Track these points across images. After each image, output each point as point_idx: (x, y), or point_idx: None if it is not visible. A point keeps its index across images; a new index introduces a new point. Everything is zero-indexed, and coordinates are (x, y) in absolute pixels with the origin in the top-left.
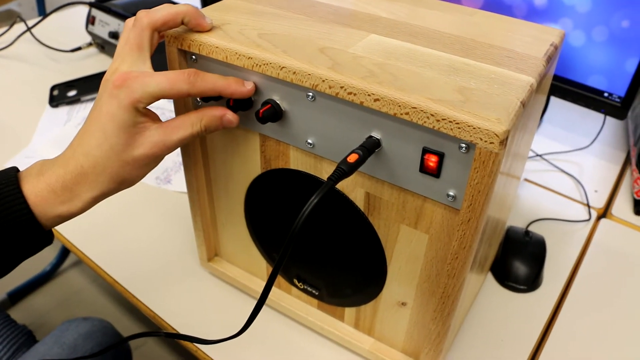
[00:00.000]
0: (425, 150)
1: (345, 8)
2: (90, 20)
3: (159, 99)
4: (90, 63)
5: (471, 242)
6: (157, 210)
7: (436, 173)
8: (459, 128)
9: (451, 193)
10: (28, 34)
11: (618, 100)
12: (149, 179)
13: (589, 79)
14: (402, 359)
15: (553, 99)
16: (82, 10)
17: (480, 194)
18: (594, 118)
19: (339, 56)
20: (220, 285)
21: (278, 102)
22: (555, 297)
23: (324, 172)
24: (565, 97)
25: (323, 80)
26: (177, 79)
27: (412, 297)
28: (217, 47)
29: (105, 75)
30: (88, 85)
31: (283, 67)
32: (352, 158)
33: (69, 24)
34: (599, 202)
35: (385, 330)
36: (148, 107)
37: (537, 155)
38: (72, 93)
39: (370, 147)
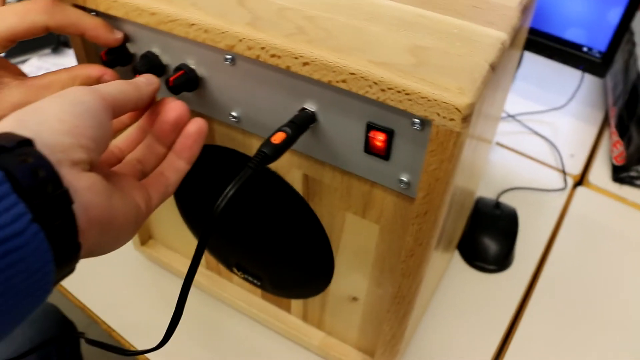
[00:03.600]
0: (370, 127)
1: None
2: None
3: (12, 40)
4: None
5: (429, 238)
6: None
7: (384, 154)
8: (409, 100)
9: (404, 178)
10: None
11: (598, 55)
12: None
13: (567, 31)
14: (356, 356)
15: (527, 53)
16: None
17: (439, 182)
18: (571, 75)
19: (262, 9)
20: (158, 272)
21: (193, 67)
22: (527, 276)
23: (254, 148)
24: (540, 52)
25: (240, 40)
26: (29, 9)
27: (364, 293)
28: (115, 1)
29: None
30: None
31: (192, 24)
32: (278, 138)
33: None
34: (575, 167)
35: (336, 324)
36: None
37: (509, 115)
38: None
39: (302, 123)
